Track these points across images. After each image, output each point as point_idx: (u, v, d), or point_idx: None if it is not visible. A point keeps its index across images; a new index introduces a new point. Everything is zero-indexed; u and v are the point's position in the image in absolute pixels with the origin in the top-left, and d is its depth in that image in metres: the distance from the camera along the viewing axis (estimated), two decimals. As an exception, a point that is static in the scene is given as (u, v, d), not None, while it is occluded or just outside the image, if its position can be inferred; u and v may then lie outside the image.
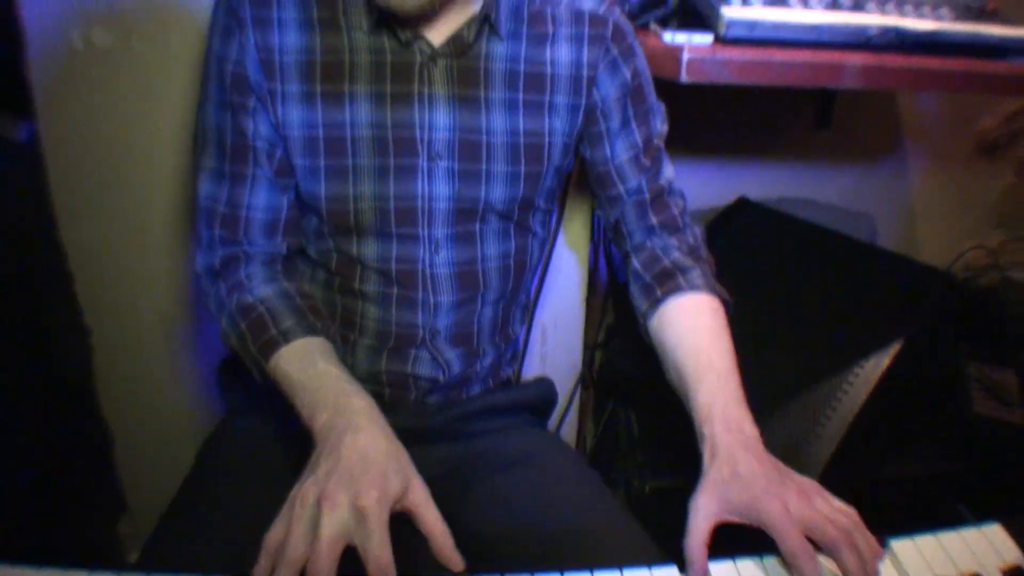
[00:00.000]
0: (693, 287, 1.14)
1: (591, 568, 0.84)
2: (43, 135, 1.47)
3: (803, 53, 1.36)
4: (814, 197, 2.09)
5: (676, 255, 1.19)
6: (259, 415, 1.19)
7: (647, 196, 1.22)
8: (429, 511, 0.87)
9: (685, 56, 1.31)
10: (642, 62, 1.21)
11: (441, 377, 1.20)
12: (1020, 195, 2.29)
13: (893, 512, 1.51)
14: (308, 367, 1.02)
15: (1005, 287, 2.08)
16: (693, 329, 1.12)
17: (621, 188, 1.22)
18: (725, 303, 1.16)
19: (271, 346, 1.04)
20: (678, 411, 1.07)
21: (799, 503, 0.87)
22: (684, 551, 0.87)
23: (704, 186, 1.91)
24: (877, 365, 1.38)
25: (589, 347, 1.84)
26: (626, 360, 1.71)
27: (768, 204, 1.91)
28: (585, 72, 1.16)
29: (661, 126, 1.24)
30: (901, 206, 2.25)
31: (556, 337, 1.75)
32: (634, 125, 1.20)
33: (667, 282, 1.16)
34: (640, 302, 1.19)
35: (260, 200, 1.12)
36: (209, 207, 1.12)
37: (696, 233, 1.25)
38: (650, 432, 1.66)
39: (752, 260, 1.66)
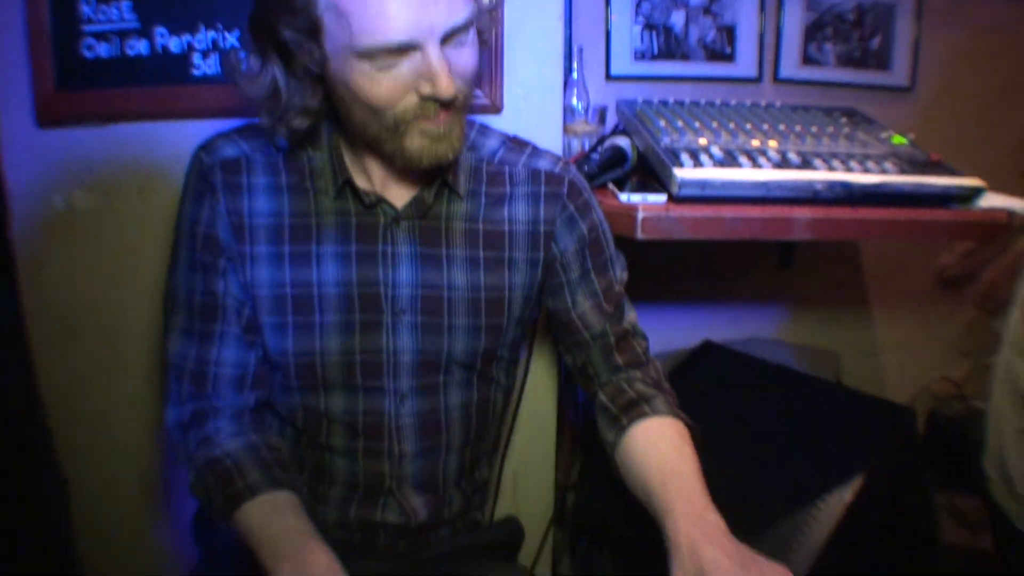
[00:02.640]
0: (657, 412, 1.18)
1: None
2: (24, 292, 1.53)
3: (754, 209, 1.44)
4: (780, 336, 2.15)
5: (640, 386, 1.23)
6: (232, 563, 1.19)
7: (612, 340, 1.26)
8: None
9: (640, 215, 1.39)
10: (599, 215, 1.28)
11: (409, 523, 1.22)
12: (982, 327, 2.35)
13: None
14: (272, 522, 1.04)
15: (970, 417, 2.12)
16: (657, 445, 1.15)
17: (586, 334, 1.27)
18: (690, 428, 1.19)
19: (237, 499, 1.06)
20: (652, 547, 1.07)
21: None
22: None
23: (671, 329, 1.96)
24: (840, 499, 1.40)
25: (561, 488, 1.85)
26: (598, 499, 1.72)
27: (735, 344, 1.96)
28: (543, 228, 1.23)
29: (621, 274, 1.30)
30: (865, 342, 2.31)
31: (528, 479, 1.77)
32: (593, 275, 1.26)
33: (632, 410, 1.19)
34: (608, 433, 1.22)
35: (229, 356, 1.16)
36: (179, 364, 1.16)
37: (657, 367, 1.29)
38: (625, 568, 1.66)
39: (718, 401, 1.69)
